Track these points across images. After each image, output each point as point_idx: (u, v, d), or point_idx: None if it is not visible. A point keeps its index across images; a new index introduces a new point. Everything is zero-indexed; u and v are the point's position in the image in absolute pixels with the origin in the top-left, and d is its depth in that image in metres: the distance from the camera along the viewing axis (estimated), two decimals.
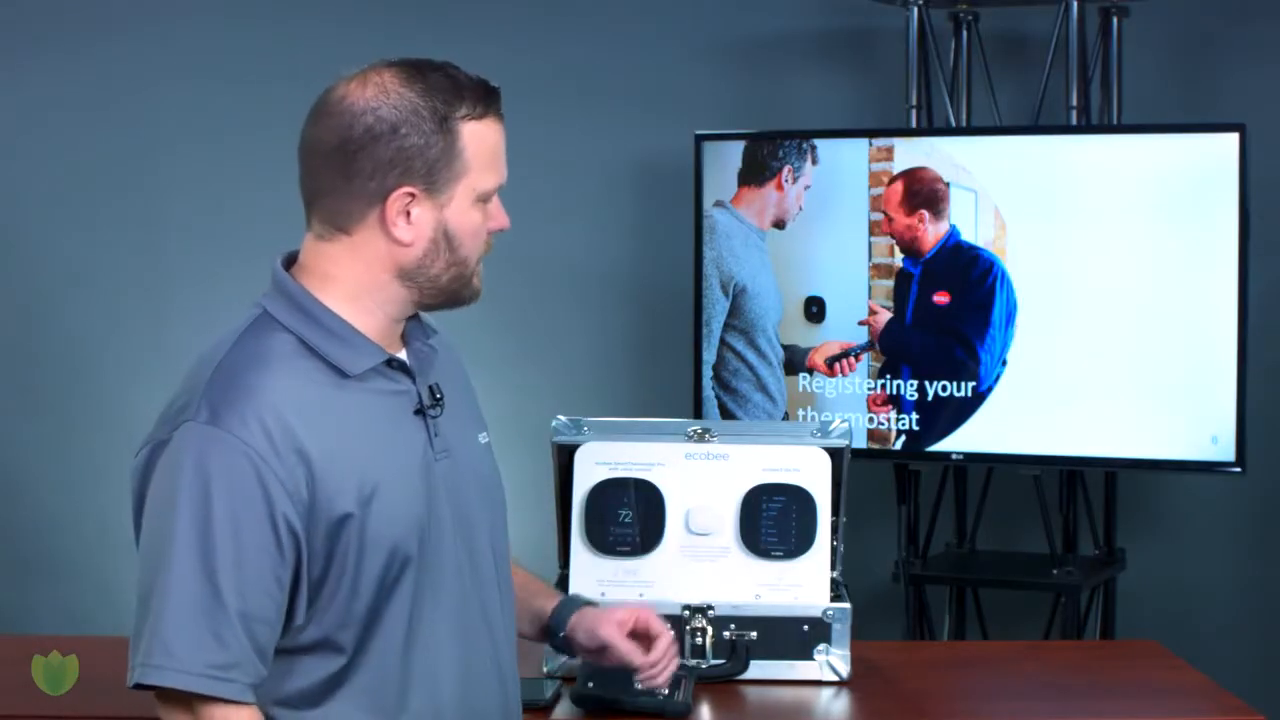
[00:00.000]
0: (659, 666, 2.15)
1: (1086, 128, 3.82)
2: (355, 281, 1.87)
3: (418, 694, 1.86)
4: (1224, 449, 3.57)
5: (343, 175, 1.83)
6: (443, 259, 1.87)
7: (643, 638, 2.16)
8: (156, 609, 1.73)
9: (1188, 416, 3.61)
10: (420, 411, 1.89)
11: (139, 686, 1.73)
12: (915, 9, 3.89)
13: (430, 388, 1.92)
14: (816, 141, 3.82)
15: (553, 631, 2.17)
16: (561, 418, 2.72)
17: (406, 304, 1.89)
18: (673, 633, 2.18)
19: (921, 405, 3.78)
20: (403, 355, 1.92)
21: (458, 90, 1.87)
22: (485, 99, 1.90)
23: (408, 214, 1.84)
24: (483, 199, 1.91)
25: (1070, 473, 3.84)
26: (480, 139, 1.90)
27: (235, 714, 1.75)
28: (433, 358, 1.95)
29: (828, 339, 3.85)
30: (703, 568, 2.62)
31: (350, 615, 1.82)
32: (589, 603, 2.20)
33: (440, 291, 1.89)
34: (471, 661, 1.93)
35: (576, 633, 2.16)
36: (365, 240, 1.85)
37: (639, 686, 2.26)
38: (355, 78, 1.85)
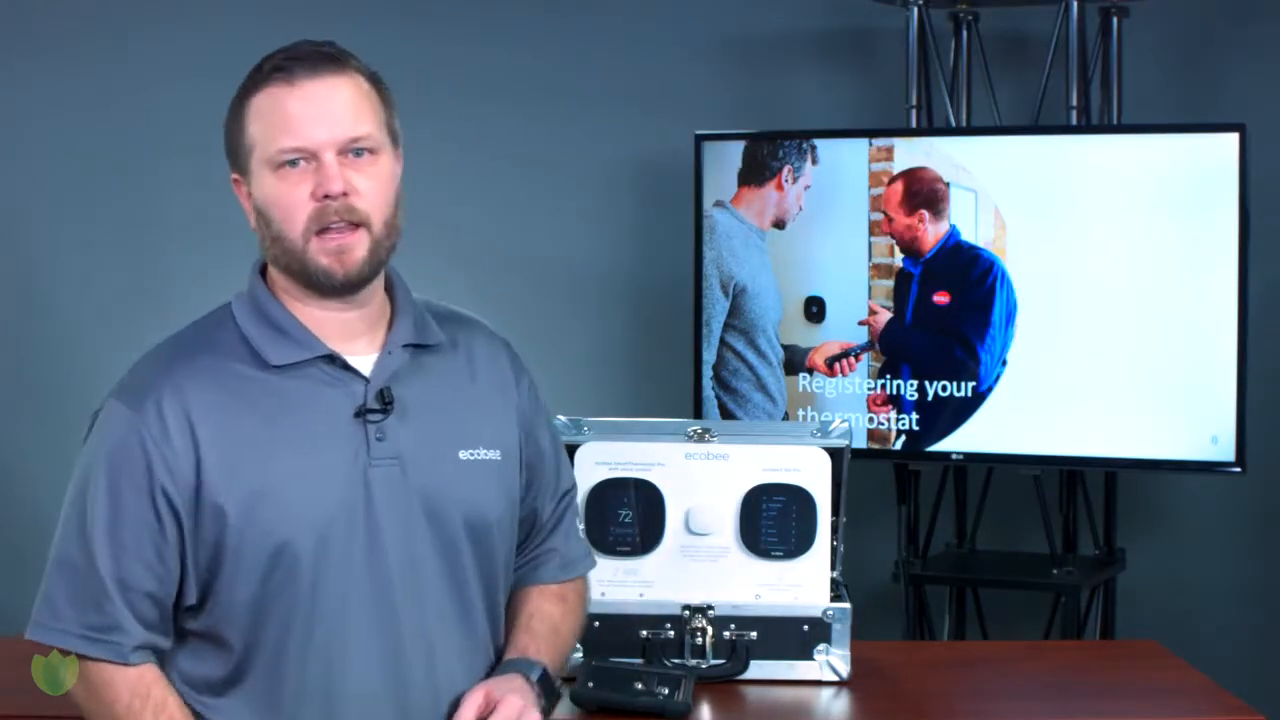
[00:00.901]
0: None
1: (1086, 128, 3.82)
2: (277, 275, 1.91)
3: (311, 708, 1.84)
4: (1224, 449, 3.57)
5: None
6: (268, 236, 1.87)
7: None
8: (47, 570, 1.85)
9: (1188, 416, 3.61)
10: (360, 414, 1.87)
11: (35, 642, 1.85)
12: (915, 9, 3.89)
13: (381, 392, 1.88)
14: (816, 141, 3.82)
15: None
16: (561, 418, 2.72)
17: (303, 293, 1.89)
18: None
19: (921, 405, 3.78)
20: (364, 358, 1.89)
21: (252, 71, 1.90)
22: (267, 69, 1.89)
23: (246, 199, 1.89)
24: (278, 164, 1.85)
25: (1070, 473, 3.84)
26: (262, 109, 1.87)
27: (119, 675, 1.82)
28: (406, 361, 1.92)
29: (828, 339, 3.85)
30: (703, 568, 2.62)
31: (235, 608, 1.83)
32: (519, 673, 1.98)
33: (293, 273, 1.88)
34: (402, 682, 1.88)
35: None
36: None
37: (638, 686, 2.27)
38: None
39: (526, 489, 2.07)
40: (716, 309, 3.91)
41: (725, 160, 3.88)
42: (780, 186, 3.84)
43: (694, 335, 3.92)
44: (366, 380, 1.88)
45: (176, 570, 1.83)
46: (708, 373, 3.92)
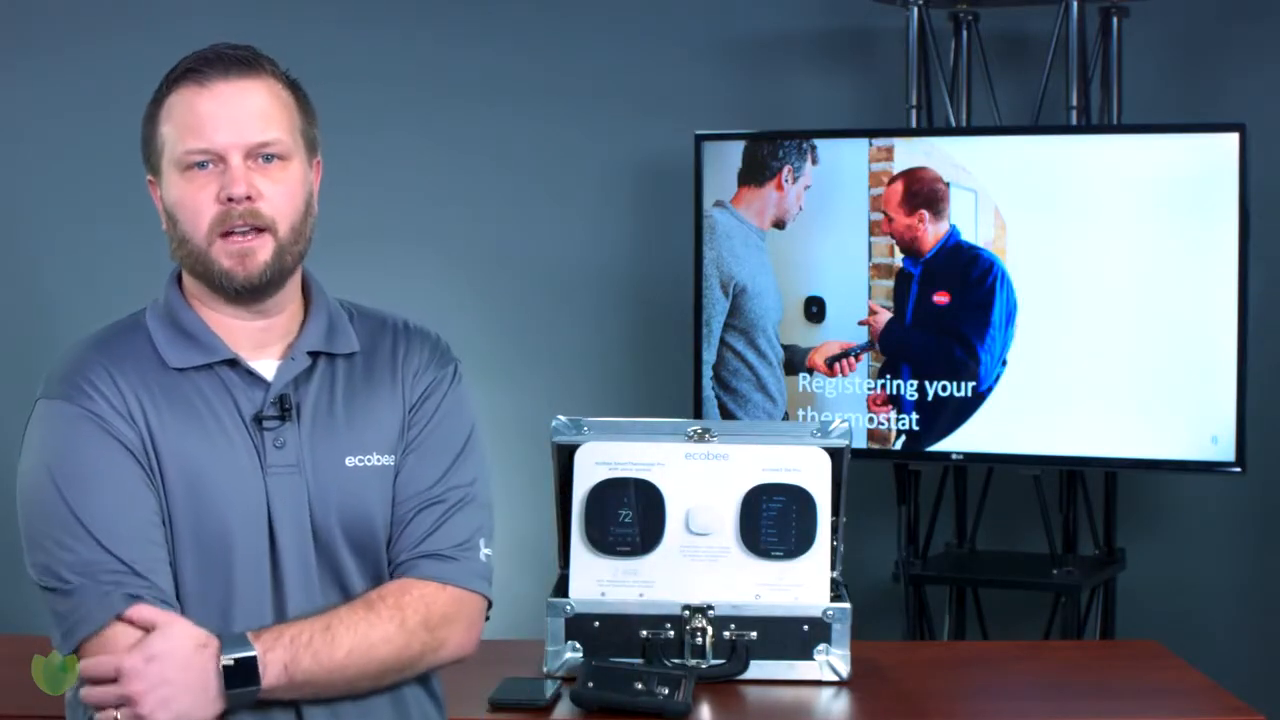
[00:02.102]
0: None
1: (1086, 128, 3.82)
2: (189, 280, 1.92)
3: None
4: (1224, 449, 3.57)
5: None
6: (175, 237, 1.89)
7: None
8: (55, 583, 1.80)
9: (1188, 416, 3.60)
10: (257, 420, 1.86)
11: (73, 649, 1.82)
12: (915, 9, 3.88)
13: (280, 399, 1.87)
14: (816, 141, 3.82)
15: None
16: (561, 418, 2.72)
17: (209, 297, 1.89)
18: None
19: (921, 405, 3.78)
20: (269, 363, 1.89)
21: (166, 73, 1.89)
22: (180, 70, 1.88)
23: (158, 201, 1.90)
24: (187, 166, 1.85)
25: (1070, 473, 3.84)
26: (173, 110, 1.87)
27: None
28: (303, 368, 1.90)
29: (828, 339, 3.85)
30: (703, 568, 2.62)
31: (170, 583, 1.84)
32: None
33: (198, 277, 1.89)
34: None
35: None
36: None
37: (638, 686, 2.27)
38: None
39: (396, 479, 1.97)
40: (716, 309, 3.91)
41: (725, 160, 3.88)
42: (780, 186, 3.84)
43: (694, 335, 3.92)
44: (267, 386, 1.88)
45: (168, 531, 1.83)
46: (708, 373, 3.92)
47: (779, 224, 3.86)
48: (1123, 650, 3.13)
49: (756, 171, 3.85)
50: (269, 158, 1.85)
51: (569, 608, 2.59)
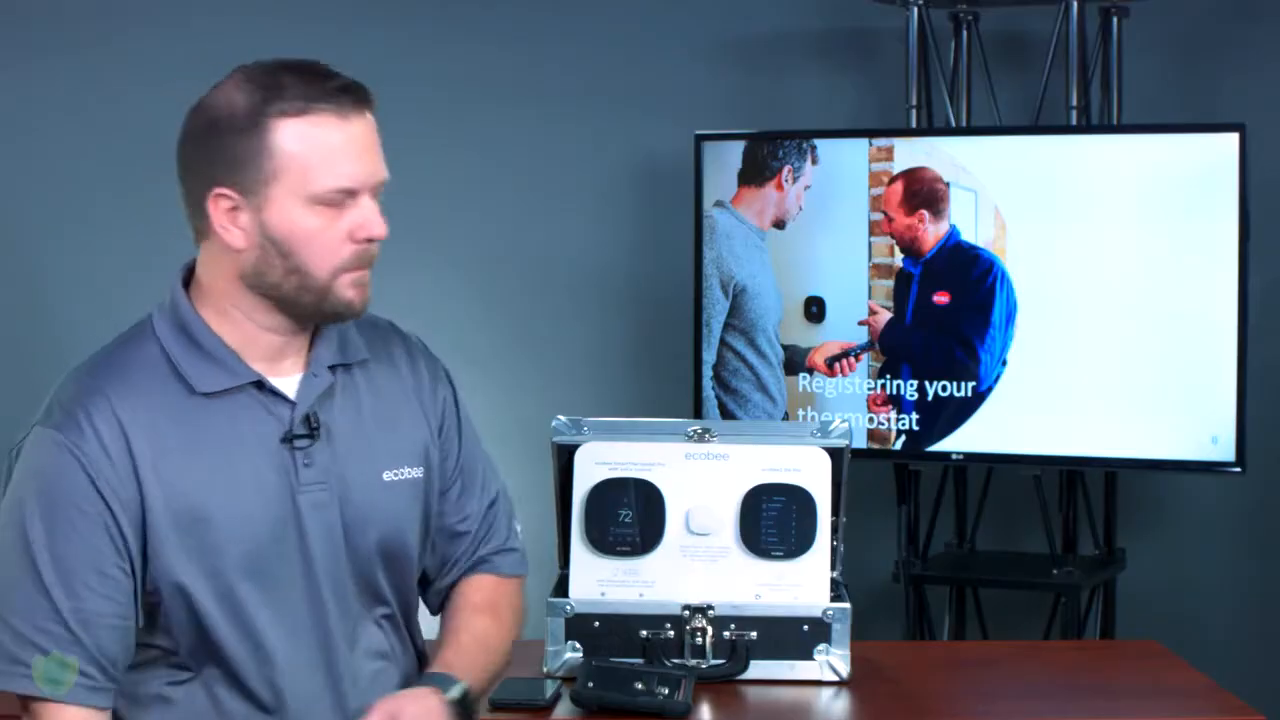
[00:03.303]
0: None
1: (1086, 128, 3.82)
2: (211, 287, 1.83)
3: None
4: (1224, 449, 3.57)
5: (180, 177, 1.82)
6: (279, 266, 1.79)
7: None
8: (1, 614, 1.75)
9: (1188, 416, 3.60)
10: (287, 440, 1.83)
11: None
12: (915, 9, 3.88)
13: (307, 417, 1.85)
14: (816, 141, 3.82)
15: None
16: (561, 418, 2.72)
17: (268, 315, 1.82)
18: None
19: (921, 405, 3.78)
20: (289, 379, 1.86)
21: (280, 88, 1.76)
22: (310, 94, 1.76)
23: (234, 216, 1.78)
24: (320, 202, 1.77)
25: (1070, 473, 3.84)
26: (300, 137, 1.76)
27: (63, 713, 1.75)
28: (335, 384, 1.88)
29: (828, 339, 3.85)
30: (703, 568, 2.62)
31: (184, 631, 1.80)
32: (427, 687, 1.90)
33: (292, 303, 1.81)
34: (341, 705, 1.87)
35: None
36: (211, 245, 1.82)
37: (638, 686, 2.27)
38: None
39: (445, 497, 2.02)
40: (716, 309, 3.90)
41: (725, 160, 3.87)
42: (780, 186, 3.84)
43: (694, 335, 3.92)
44: (293, 404, 1.85)
45: (132, 594, 1.78)
46: (708, 373, 3.92)
47: (779, 224, 3.86)
48: (1123, 650, 3.13)
49: (756, 171, 3.85)
50: (378, 193, 1.84)
51: (569, 608, 2.59)
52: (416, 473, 1.94)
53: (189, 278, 1.88)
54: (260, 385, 1.83)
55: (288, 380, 1.86)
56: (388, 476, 1.91)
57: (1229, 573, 4.19)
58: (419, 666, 2.00)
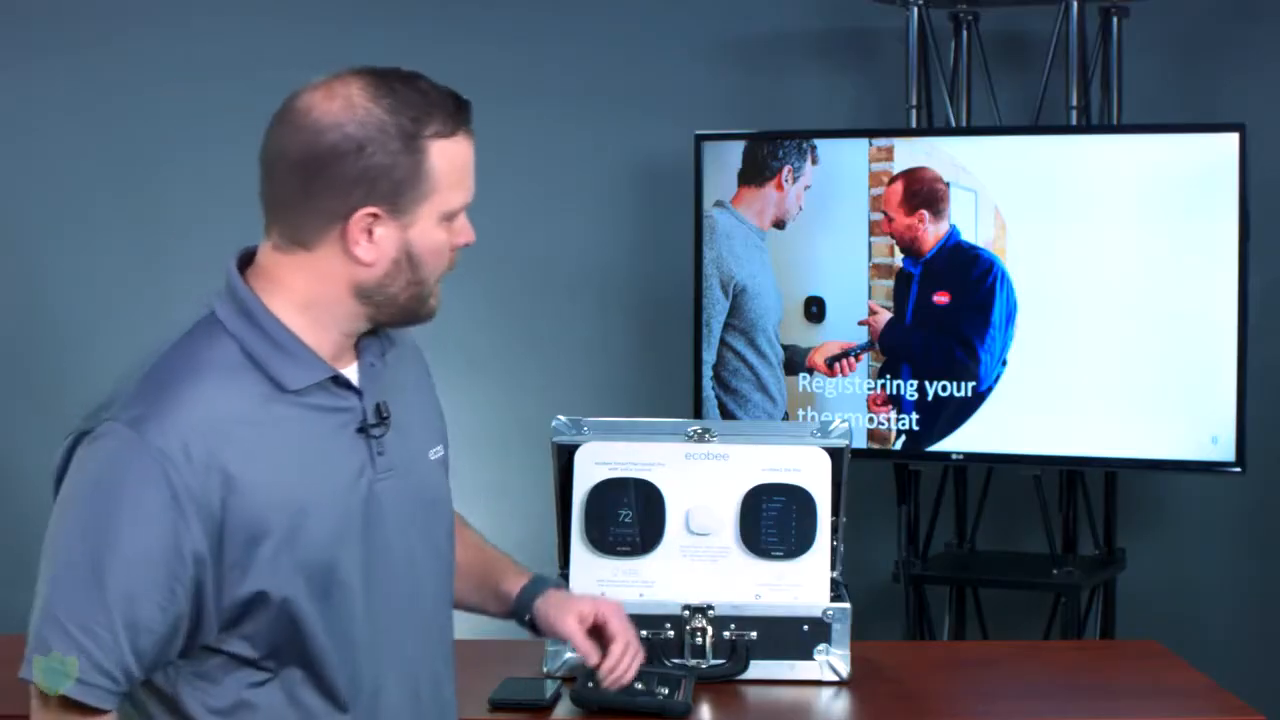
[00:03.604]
0: (617, 670, 2.10)
1: (1086, 128, 3.82)
2: (309, 295, 1.81)
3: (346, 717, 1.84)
4: (1224, 449, 3.57)
5: (304, 191, 1.76)
6: (403, 279, 1.81)
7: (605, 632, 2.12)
8: (44, 603, 1.73)
9: (1188, 416, 3.61)
10: (363, 430, 1.84)
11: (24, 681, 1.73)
12: (915, 9, 3.88)
13: (378, 406, 1.86)
14: (816, 141, 3.82)
15: (518, 615, 2.15)
16: (561, 418, 2.72)
17: (361, 321, 1.84)
18: (631, 632, 2.12)
19: (921, 405, 3.78)
20: (351, 371, 1.86)
21: (427, 106, 1.78)
22: (455, 115, 1.80)
23: (370, 233, 1.78)
24: (448, 218, 1.82)
25: (1070, 473, 3.84)
26: (448, 157, 1.79)
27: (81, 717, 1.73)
28: (383, 373, 1.90)
29: (828, 339, 3.85)
30: (703, 568, 2.62)
31: (272, 632, 1.79)
32: (557, 584, 2.17)
33: (398, 310, 1.84)
34: (416, 687, 1.90)
35: (540, 619, 2.14)
36: (325, 257, 1.79)
37: (638, 686, 2.27)
38: (321, 88, 1.77)
39: None
40: (716, 309, 3.91)
41: (725, 160, 3.88)
42: (780, 186, 3.84)
43: (694, 335, 3.92)
44: (359, 394, 1.86)
45: (189, 609, 1.74)
46: (708, 373, 3.92)
47: (779, 224, 3.86)
48: (1123, 650, 3.14)
49: (756, 171, 3.86)
50: None
51: None
52: (442, 450, 1.99)
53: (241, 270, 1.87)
54: (335, 379, 1.84)
55: (348, 372, 1.88)
56: (432, 455, 1.96)
57: (1229, 573, 4.19)
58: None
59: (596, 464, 2.66)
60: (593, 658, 2.10)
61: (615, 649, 2.10)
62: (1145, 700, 2.54)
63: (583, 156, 4.26)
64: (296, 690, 1.82)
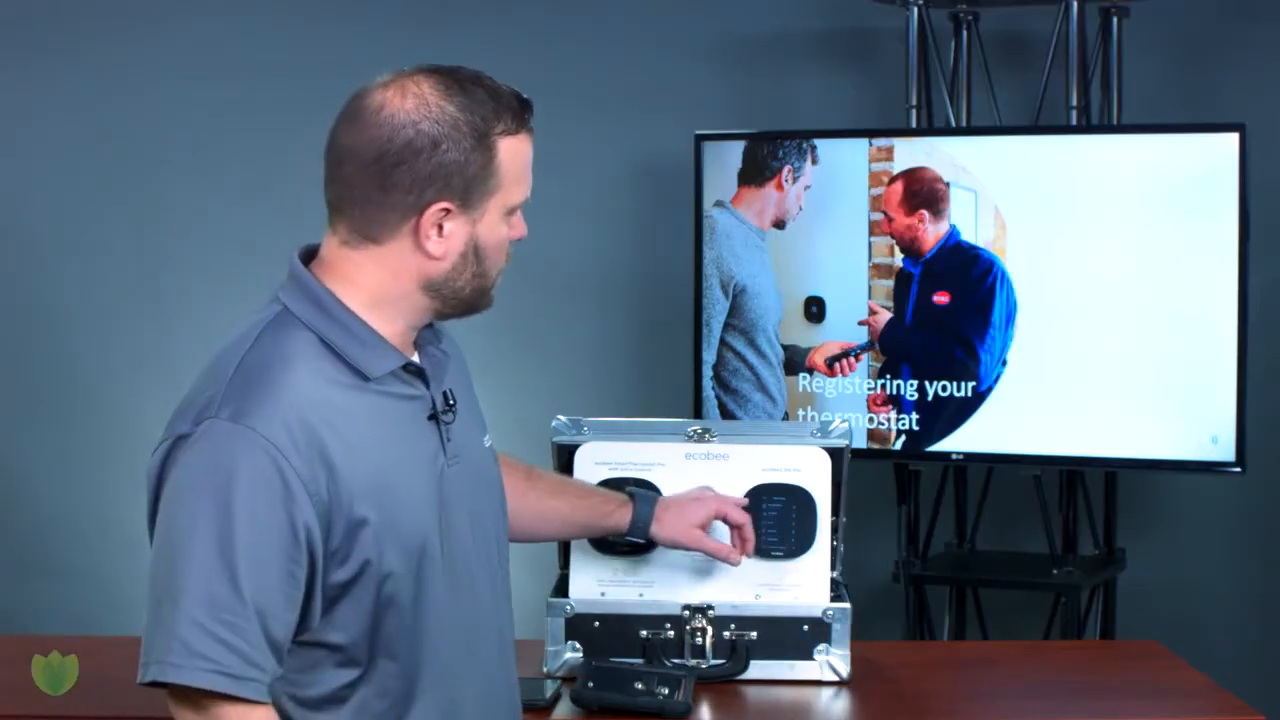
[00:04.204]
0: (747, 549, 2.50)
1: (1086, 128, 3.82)
2: (379, 288, 1.85)
3: (429, 703, 1.85)
4: (1224, 449, 3.57)
5: (379, 188, 1.80)
6: (469, 272, 1.88)
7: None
8: (173, 604, 1.70)
9: (1188, 416, 3.61)
10: (434, 417, 1.90)
11: (154, 684, 1.70)
12: (915, 9, 3.89)
13: (445, 394, 1.92)
14: (816, 141, 3.82)
15: (635, 541, 2.49)
16: (561, 418, 2.72)
17: (426, 313, 1.90)
18: (743, 514, 2.50)
19: (921, 405, 3.78)
20: (418, 360, 1.92)
21: (496, 105, 1.84)
22: (520, 113, 1.87)
23: (440, 228, 1.83)
24: (510, 212, 1.90)
25: (1070, 473, 3.84)
26: (515, 154, 1.86)
27: (251, 714, 1.72)
28: (445, 363, 1.96)
29: (828, 339, 3.85)
30: (703, 568, 2.61)
31: (366, 619, 1.81)
32: (655, 499, 2.48)
33: (461, 303, 1.90)
34: (490, 669, 1.95)
35: (658, 538, 2.48)
36: (394, 251, 1.84)
37: (638, 686, 2.27)
38: (393, 86, 1.82)
39: None
40: (716, 309, 3.91)
41: (725, 160, 3.88)
42: (780, 186, 3.84)
43: (694, 335, 3.92)
44: (427, 383, 1.90)
45: (303, 594, 1.77)
46: (708, 373, 3.92)
47: (779, 224, 3.86)
48: (1123, 650, 3.13)
49: (756, 171, 3.86)
50: None
51: (569, 608, 2.59)
52: (491, 438, 2.06)
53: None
54: (406, 367, 1.89)
55: (415, 362, 1.92)
56: (486, 442, 2.03)
57: (1229, 573, 4.19)
58: None
59: (596, 464, 2.66)
60: (721, 554, 2.50)
61: (744, 532, 2.50)
62: (1145, 700, 2.54)
63: (583, 156, 4.25)
64: (385, 685, 1.84)
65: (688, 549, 2.51)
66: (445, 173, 1.80)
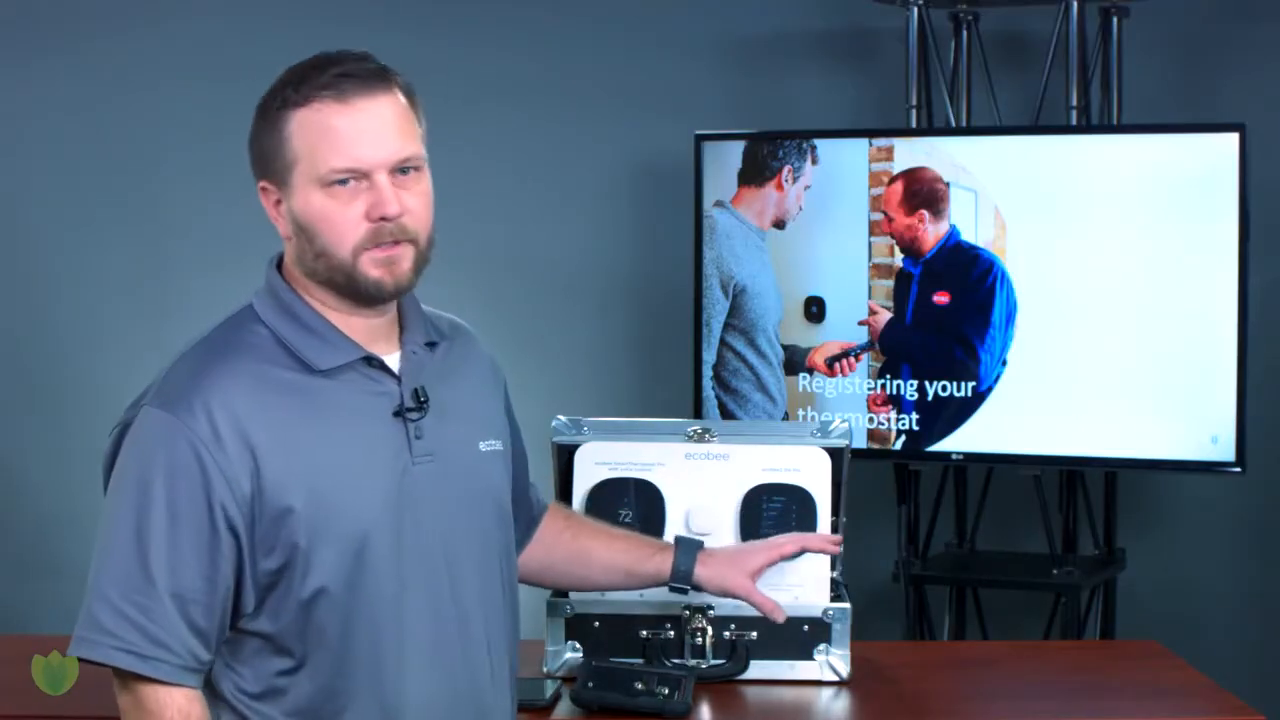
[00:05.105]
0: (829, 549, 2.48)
1: (1086, 128, 3.82)
2: (297, 278, 1.91)
3: (369, 701, 1.85)
4: (1224, 449, 3.57)
5: None
6: (309, 250, 1.86)
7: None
8: (95, 584, 1.79)
9: (1188, 416, 3.61)
10: (399, 414, 1.89)
11: (82, 660, 1.80)
12: (915, 9, 3.89)
13: (416, 391, 1.91)
14: (816, 141, 3.82)
15: (678, 590, 2.34)
16: (561, 418, 2.72)
17: (332, 298, 1.89)
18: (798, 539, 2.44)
19: (921, 405, 3.78)
20: (393, 355, 1.92)
21: (286, 79, 1.86)
22: (308, 83, 1.84)
23: (277, 207, 1.88)
24: (328, 182, 1.83)
25: (1070, 473, 3.84)
26: (307, 124, 1.84)
27: (167, 695, 1.78)
28: (427, 361, 1.95)
29: (828, 339, 3.85)
30: None
31: (296, 609, 1.83)
32: (701, 544, 2.36)
33: (330, 284, 1.88)
34: (451, 672, 1.92)
35: (705, 584, 2.35)
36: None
37: (638, 686, 2.26)
38: None
39: (517, 471, 2.17)
40: (716, 309, 3.91)
41: (725, 160, 3.88)
42: (780, 186, 3.84)
43: (694, 335, 3.92)
44: (399, 380, 1.91)
45: (232, 581, 1.81)
46: (708, 373, 3.92)
47: (779, 224, 3.86)
48: (1123, 650, 3.13)
49: (756, 171, 3.86)
50: (407, 170, 1.86)
51: (569, 608, 2.59)
52: (498, 445, 2.03)
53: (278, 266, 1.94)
54: (369, 361, 1.89)
55: (388, 359, 1.92)
56: (484, 447, 2.00)
57: (1229, 573, 4.19)
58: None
59: (596, 464, 2.66)
60: (778, 615, 2.35)
61: (815, 544, 2.46)
62: (1145, 700, 2.54)
63: (583, 156, 4.26)
64: (322, 677, 1.85)
65: (736, 598, 2.38)
66: (255, 155, 1.87)
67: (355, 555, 1.83)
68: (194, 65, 4.23)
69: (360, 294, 1.87)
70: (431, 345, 1.98)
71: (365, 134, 1.83)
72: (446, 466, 1.92)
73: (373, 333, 1.91)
